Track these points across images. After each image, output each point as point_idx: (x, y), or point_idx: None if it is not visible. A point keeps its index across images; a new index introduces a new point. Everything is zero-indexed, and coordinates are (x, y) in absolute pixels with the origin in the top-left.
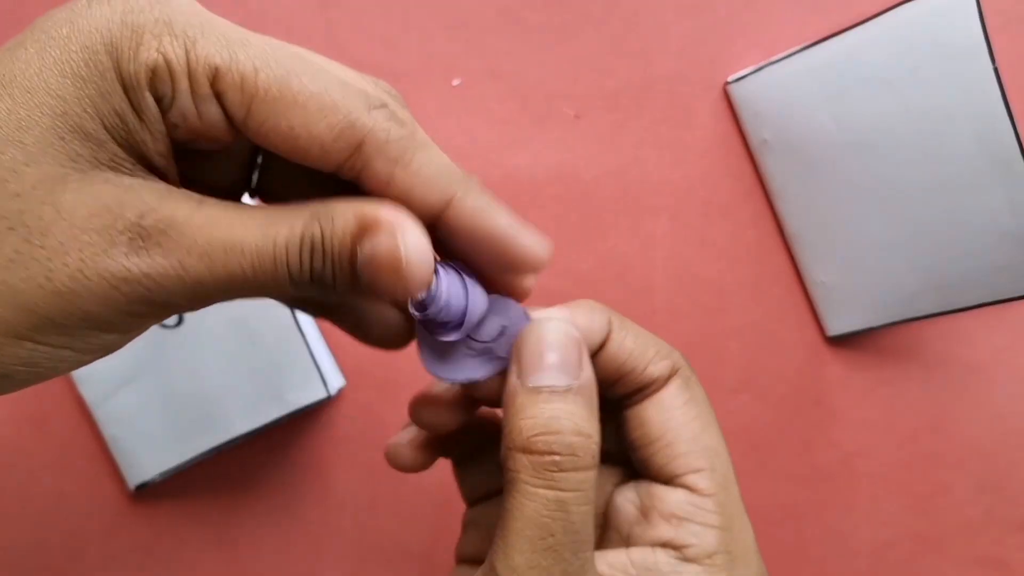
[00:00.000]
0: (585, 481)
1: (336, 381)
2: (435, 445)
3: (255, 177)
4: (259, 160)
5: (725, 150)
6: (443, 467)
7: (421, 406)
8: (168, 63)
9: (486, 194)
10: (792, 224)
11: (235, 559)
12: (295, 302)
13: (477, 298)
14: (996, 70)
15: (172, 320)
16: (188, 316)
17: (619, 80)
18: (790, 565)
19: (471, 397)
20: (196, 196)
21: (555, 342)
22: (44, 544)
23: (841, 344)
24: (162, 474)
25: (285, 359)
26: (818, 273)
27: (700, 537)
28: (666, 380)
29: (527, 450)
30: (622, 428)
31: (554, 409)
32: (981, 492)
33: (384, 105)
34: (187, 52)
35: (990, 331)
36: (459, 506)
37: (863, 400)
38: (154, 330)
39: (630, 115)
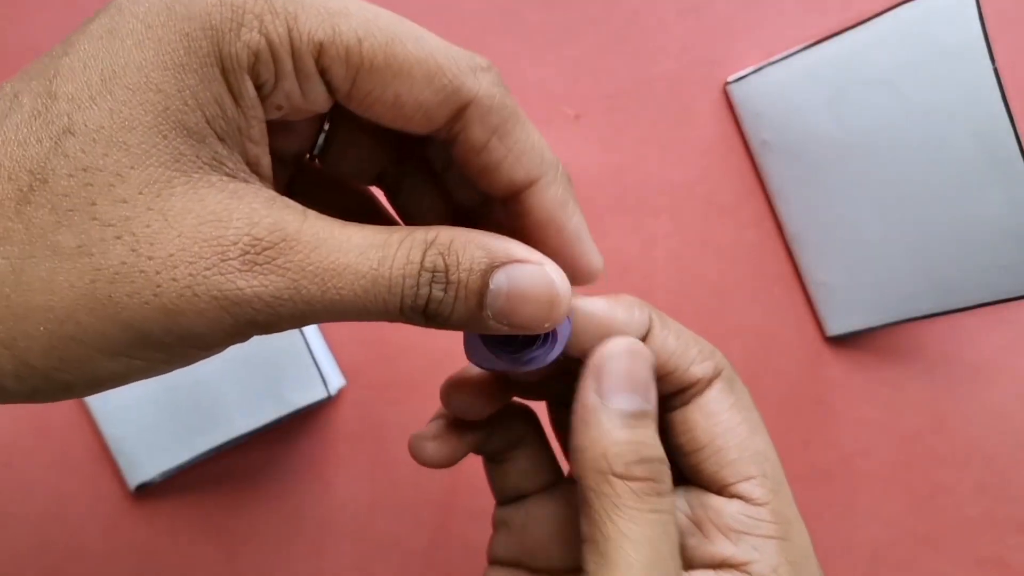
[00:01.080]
0: (673, 502)
1: (336, 381)
2: (462, 439)
3: (320, 142)
4: (326, 126)
5: (725, 150)
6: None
7: (454, 390)
8: (271, 45)
9: (570, 188)
10: (792, 224)
11: (235, 559)
12: None
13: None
14: (996, 70)
15: None
16: None
17: (619, 80)
18: None
19: (506, 384)
20: (299, 208)
21: (639, 363)
22: (44, 544)
23: (841, 344)
24: (162, 474)
25: (285, 359)
26: (818, 273)
27: (761, 551)
28: (709, 382)
29: (627, 477)
30: (666, 431)
31: (642, 435)
32: (981, 492)
33: (489, 68)
34: (289, 30)
35: (991, 331)
36: (459, 506)
37: (863, 400)
38: None
39: (630, 115)
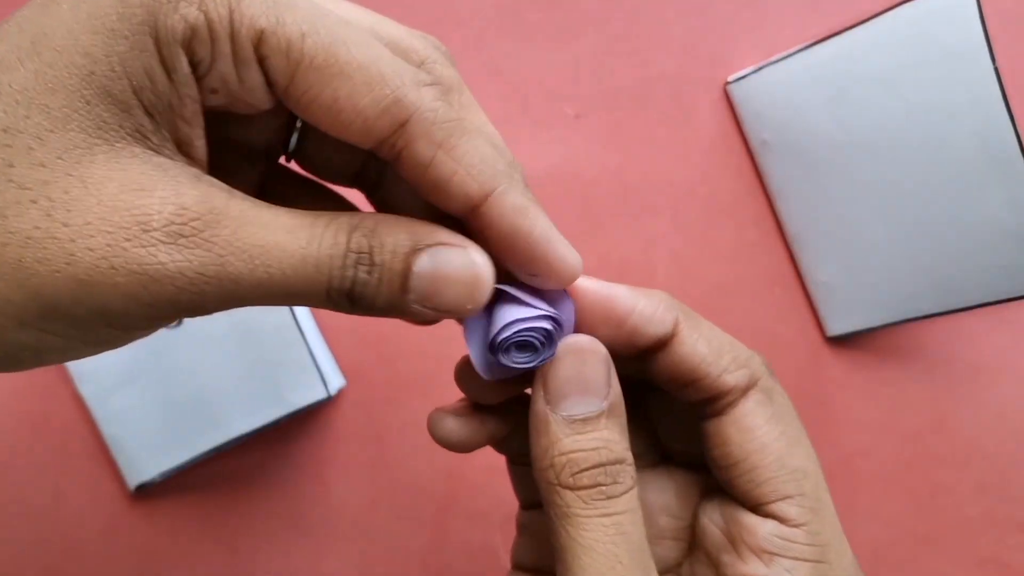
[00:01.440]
0: (632, 499)
1: (336, 381)
2: (483, 424)
3: (294, 140)
4: (298, 124)
5: (725, 149)
6: (443, 467)
7: (466, 370)
8: (210, 22)
9: (527, 193)
10: (792, 224)
11: (235, 559)
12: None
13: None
14: (996, 70)
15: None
16: None
17: (619, 79)
18: None
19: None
20: (224, 187)
21: (590, 362)
22: (44, 544)
23: (842, 344)
24: (162, 474)
25: (285, 359)
26: (818, 273)
27: (793, 574)
28: (744, 392)
29: (575, 487)
30: (703, 440)
31: (591, 440)
32: (982, 492)
33: (436, 84)
34: (231, 12)
35: (991, 331)
36: (459, 507)
37: (864, 400)
38: None
39: (630, 114)
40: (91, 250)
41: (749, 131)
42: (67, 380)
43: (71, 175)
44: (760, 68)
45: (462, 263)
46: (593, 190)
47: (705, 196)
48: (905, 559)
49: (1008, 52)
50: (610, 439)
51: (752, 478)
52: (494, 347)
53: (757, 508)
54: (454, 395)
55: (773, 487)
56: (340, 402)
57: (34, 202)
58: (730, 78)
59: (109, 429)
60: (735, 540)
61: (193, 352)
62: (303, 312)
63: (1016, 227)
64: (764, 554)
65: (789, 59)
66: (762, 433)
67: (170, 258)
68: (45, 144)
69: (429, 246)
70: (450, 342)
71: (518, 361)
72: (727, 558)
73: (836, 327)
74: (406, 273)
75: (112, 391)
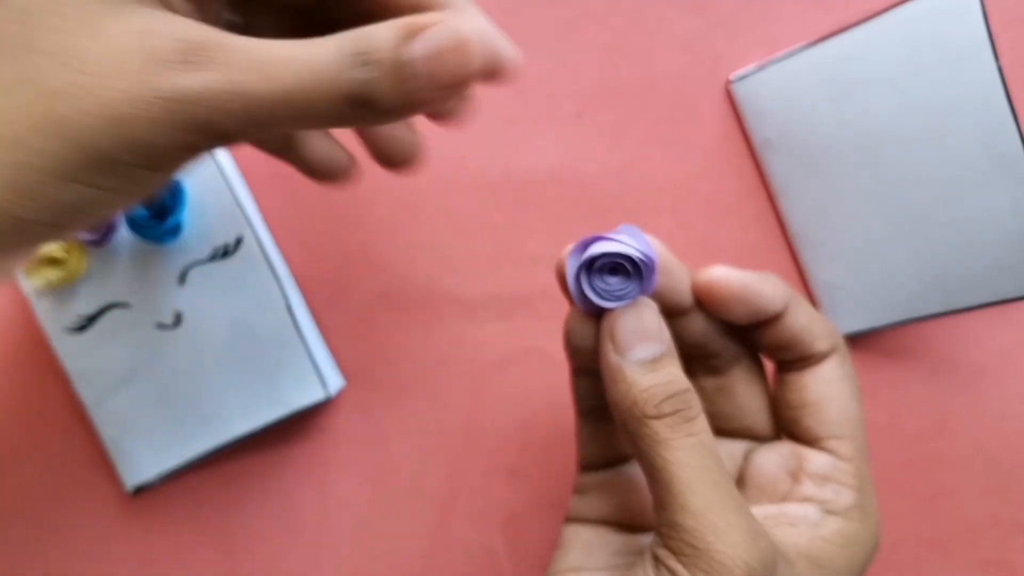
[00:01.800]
0: (704, 420)
1: (335, 382)
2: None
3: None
4: None
5: (728, 148)
6: (442, 469)
7: (569, 319)
8: None
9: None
10: (795, 223)
11: (233, 561)
12: (261, 143)
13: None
14: (1000, 68)
15: (170, 320)
16: (186, 317)
17: (621, 78)
18: None
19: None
20: (219, 30)
21: (645, 314)
22: (41, 546)
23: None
24: (160, 475)
25: (283, 360)
26: (822, 273)
27: (840, 495)
28: (825, 355)
29: (659, 416)
30: (780, 388)
31: (664, 375)
32: (986, 494)
33: None
34: None
35: (995, 332)
36: (460, 508)
37: (868, 401)
38: (152, 331)
39: (632, 113)
40: (122, 90)
41: (752, 130)
42: (65, 382)
43: (87, 35)
44: (762, 67)
45: (446, 33)
46: (595, 188)
47: (708, 194)
48: (909, 561)
49: (1012, 51)
50: (676, 373)
51: (818, 417)
52: (589, 267)
53: (815, 442)
54: (454, 395)
55: (832, 427)
56: (340, 403)
57: (60, 63)
58: (732, 76)
59: (107, 430)
60: (796, 473)
61: (191, 353)
62: (302, 313)
63: (1020, 227)
64: (819, 478)
65: (792, 57)
66: (833, 386)
67: (191, 80)
68: (60, 14)
69: (414, 33)
70: (450, 344)
71: (610, 286)
72: (784, 487)
73: (841, 326)
74: (401, 62)
75: (110, 392)
